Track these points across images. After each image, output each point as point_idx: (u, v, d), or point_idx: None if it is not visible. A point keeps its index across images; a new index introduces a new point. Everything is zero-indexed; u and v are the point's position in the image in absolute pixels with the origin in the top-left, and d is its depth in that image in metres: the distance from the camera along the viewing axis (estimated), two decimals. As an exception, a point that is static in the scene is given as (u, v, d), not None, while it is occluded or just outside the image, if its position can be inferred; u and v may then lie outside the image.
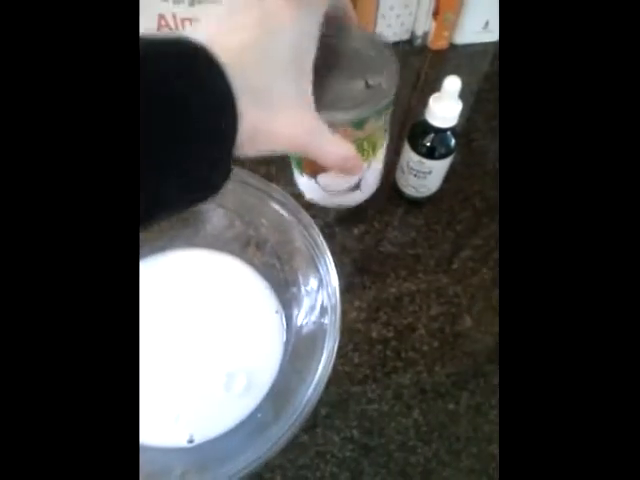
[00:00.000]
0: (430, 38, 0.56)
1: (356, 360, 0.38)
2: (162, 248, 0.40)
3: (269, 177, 0.47)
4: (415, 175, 0.42)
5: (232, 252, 0.40)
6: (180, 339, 0.36)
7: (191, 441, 0.33)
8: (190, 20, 0.33)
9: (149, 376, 0.35)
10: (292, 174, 0.47)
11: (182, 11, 0.32)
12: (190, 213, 0.40)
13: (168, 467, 0.33)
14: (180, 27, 0.33)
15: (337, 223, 0.45)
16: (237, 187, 0.38)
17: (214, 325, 0.37)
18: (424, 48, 0.58)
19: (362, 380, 0.38)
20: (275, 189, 0.35)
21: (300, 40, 0.23)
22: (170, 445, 0.33)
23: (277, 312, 0.38)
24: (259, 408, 0.33)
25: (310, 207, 0.45)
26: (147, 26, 0.33)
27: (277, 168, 0.48)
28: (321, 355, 0.30)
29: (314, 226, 0.34)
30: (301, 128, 0.24)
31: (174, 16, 0.32)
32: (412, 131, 0.41)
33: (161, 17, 0.32)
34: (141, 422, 0.33)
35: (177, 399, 0.34)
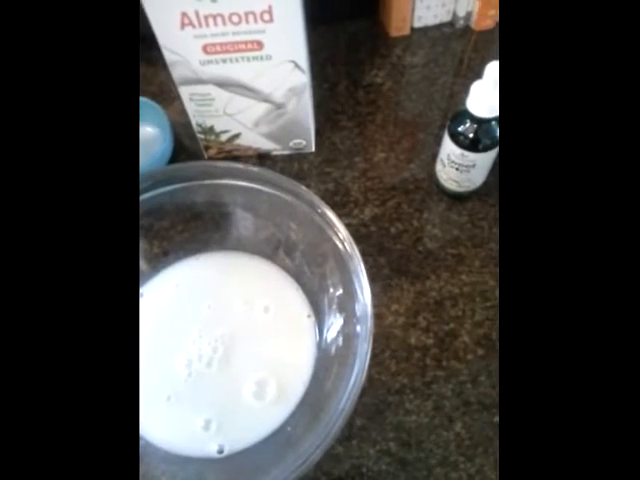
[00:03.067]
0: (474, 18, 0.52)
1: (393, 368, 0.36)
2: (195, 251, 0.39)
3: (301, 173, 0.45)
4: (457, 169, 0.39)
5: (264, 255, 0.38)
6: (208, 344, 0.35)
7: (221, 452, 0.32)
8: (214, 17, 0.31)
9: (178, 381, 0.34)
10: (324, 170, 0.45)
11: (205, 8, 0.31)
12: (221, 216, 0.39)
13: (202, 477, 0.32)
14: (204, 24, 0.32)
15: (373, 222, 0.42)
16: (266, 189, 0.36)
17: (244, 329, 0.36)
18: (467, 30, 0.54)
19: (399, 390, 0.36)
20: (305, 191, 0.34)
21: None
22: (200, 455, 0.32)
23: (309, 316, 0.36)
24: (290, 420, 0.32)
25: (345, 205, 0.43)
26: (170, 25, 0.32)
27: (309, 165, 0.46)
28: (354, 364, 0.28)
29: (345, 230, 0.32)
30: None
31: (197, 13, 0.31)
32: (453, 121, 0.38)
33: (184, 15, 0.31)
34: (172, 430, 0.33)
35: (206, 406, 0.34)
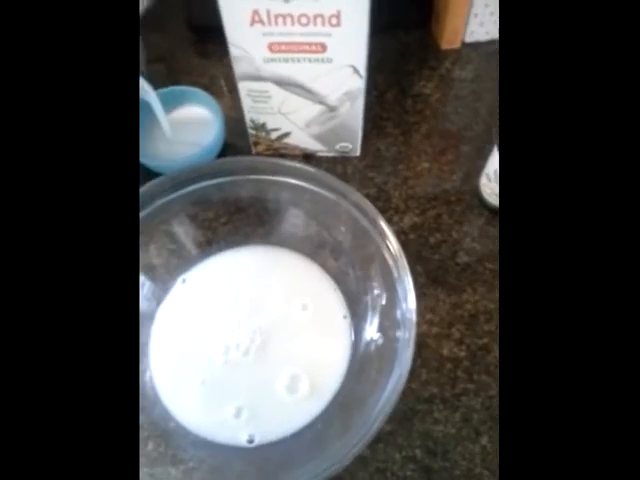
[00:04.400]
0: (526, 38, 0.53)
1: (424, 377, 0.37)
2: (237, 243, 0.40)
3: (344, 176, 0.46)
4: (502, 185, 0.40)
5: (305, 253, 0.39)
6: (246, 334, 0.36)
7: (251, 441, 0.33)
8: (284, 17, 0.32)
9: (214, 367, 0.35)
10: (367, 175, 0.46)
11: (277, 7, 0.32)
12: (265, 211, 0.40)
13: (229, 464, 0.33)
14: (273, 23, 0.33)
15: (412, 230, 0.43)
16: (313, 187, 0.37)
17: (281, 323, 0.36)
18: (518, 48, 0.54)
19: (429, 398, 0.36)
20: (354, 193, 0.34)
21: None
22: (231, 443, 0.33)
23: (345, 317, 0.37)
24: (321, 417, 0.33)
25: (385, 211, 0.44)
26: (241, 21, 0.33)
27: (353, 168, 0.46)
28: (391, 371, 0.29)
29: (392, 234, 0.32)
30: None
31: (268, 12, 0.32)
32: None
33: (255, 12, 0.32)
34: (203, 414, 0.34)
35: (239, 394, 0.34)
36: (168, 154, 0.44)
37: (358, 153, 0.46)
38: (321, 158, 0.46)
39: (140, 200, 0.33)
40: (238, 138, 0.46)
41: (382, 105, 0.49)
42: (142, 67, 0.39)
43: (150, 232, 0.35)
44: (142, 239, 0.35)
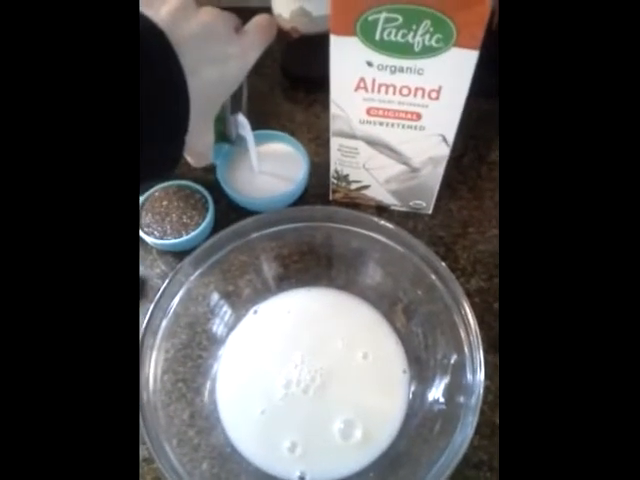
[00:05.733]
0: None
1: (475, 443, 0.37)
2: (306, 283, 0.42)
3: (414, 232, 0.47)
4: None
5: (370, 301, 0.41)
6: (308, 372, 0.37)
7: (302, 478, 0.34)
8: (387, 86, 0.35)
9: (275, 398, 0.36)
10: (437, 234, 0.47)
11: (382, 77, 0.34)
12: (336, 256, 0.42)
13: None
14: (376, 91, 0.35)
15: (477, 294, 0.44)
16: (384, 239, 0.39)
17: (341, 368, 0.38)
18: None
19: (477, 464, 0.36)
20: (425, 248, 0.36)
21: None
22: (282, 476, 0.34)
23: (405, 372, 0.38)
24: (373, 468, 0.34)
25: (453, 271, 0.45)
26: (347, 85, 0.36)
27: (424, 225, 0.48)
28: (451, 436, 0.30)
29: (465, 299, 0.34)
30: None
31: (373, 81, 0.35)
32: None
33: (361, 80, 0.35)
34: (260, 443, 0.35)
35: (295, 429, 0.36)
36: (250, 185, 0.47)
37: (430, 211, 0.48)
38: (393, 211, 0.48)
39: (236, 234, 0.36)
40: (317, 182, 0.49)
41: (458, 168, 0.51)
42: (243, 104, 0.42)
43: (238, 263, 0.38)
44: (231, 268, 0.38)
